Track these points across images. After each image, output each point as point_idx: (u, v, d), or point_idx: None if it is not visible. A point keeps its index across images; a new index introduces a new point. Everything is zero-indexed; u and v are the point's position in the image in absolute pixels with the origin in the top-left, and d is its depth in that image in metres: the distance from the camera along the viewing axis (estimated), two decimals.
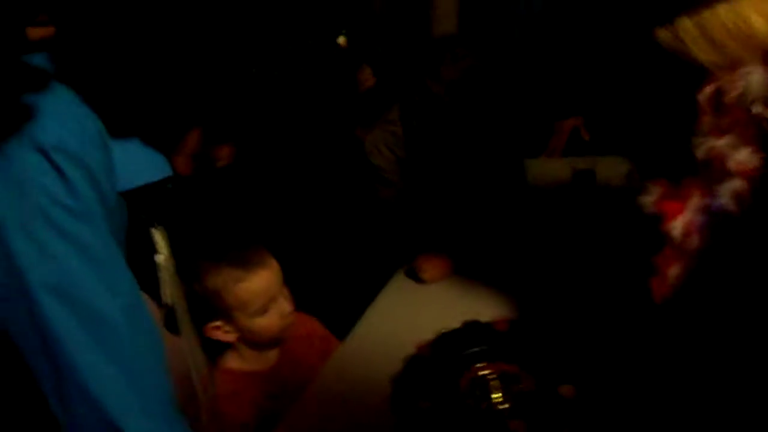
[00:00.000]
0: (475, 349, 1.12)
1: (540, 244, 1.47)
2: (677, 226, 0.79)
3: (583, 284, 1.25)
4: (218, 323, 1.16)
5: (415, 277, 1.43)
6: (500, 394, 1.03)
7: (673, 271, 0.81)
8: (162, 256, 0.85)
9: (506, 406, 1.01)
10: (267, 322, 1.18)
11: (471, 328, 1.18)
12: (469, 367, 1.09)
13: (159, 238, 0.85)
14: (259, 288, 1.15)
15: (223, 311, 1.16)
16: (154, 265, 0.87)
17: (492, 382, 1.05)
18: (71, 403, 0.68)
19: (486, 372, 1.08)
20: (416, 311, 1.32)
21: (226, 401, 1.16)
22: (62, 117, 0.66)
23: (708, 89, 0.74)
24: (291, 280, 1.23)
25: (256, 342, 1.21)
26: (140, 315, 0.73)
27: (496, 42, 1.80)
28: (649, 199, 0.83)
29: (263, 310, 1.17)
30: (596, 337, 1.09)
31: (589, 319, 1.14)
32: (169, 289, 0.86)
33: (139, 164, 0.75)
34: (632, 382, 0.92)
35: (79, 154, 0.65)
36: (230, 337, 1.19)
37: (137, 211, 0.82)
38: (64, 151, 0.64)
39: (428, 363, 1.11)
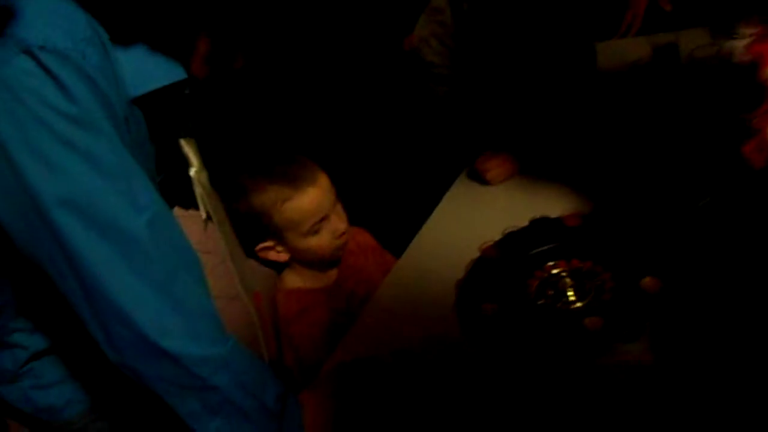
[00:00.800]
0: (545, 247, 1.03)
1: (614, 133, 1.32)
2: None
3: (666, 170, 1.11)
4: (269, 243, 1.12)
5: (479, 178, 1.33)
6: (573, 293, 0.94)
7: None
8: (194, 169, 0.80)
9: (581, 304, 0.93)
10: (319, 242, 1.12)
11: (539, 225, 1.09)
12: (540, 266, 1.01)
13: (188, 149, 0.80)
14: (309, 207, 1.09)
15: (273, 231, 1.10)
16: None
17: (564, 280, 0.97)
18: (108, 325, 0.65)
19: (557, 270, 0.99)
20: (481, 213, 1.23)
21: (294, 321, 1.14)
22: (48, 14, 0.60)
23: None
24: (345, 193, 1.17)
25: (310, 261, 1.17)
26: (169, 230, 0.68)
27: None
28: (741, 43, 0.69)
29: (314, 230, 1.10)
30: (681, 224, 0.97)
31: (673, 205, 1.02)
32: (206, 203, 0.81)
33: (148, 69, 0.69)
34: (721, 269, 0.81)
35: (71, 53, 0.60)
36: (283, 257, 1.14)
37: (161, 121, 0.77)
38: (53, 51, 0.59)
39: (494, 264, 1.04)
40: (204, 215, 0.83)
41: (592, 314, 0.89)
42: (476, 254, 1.07)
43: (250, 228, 1.08)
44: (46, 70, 0.58)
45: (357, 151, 1.31)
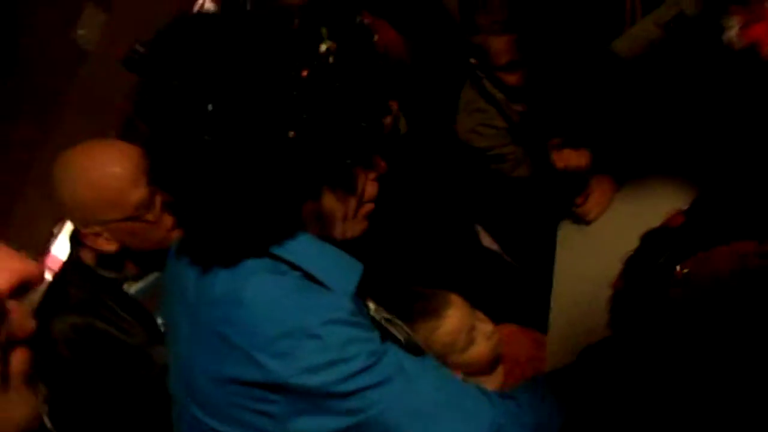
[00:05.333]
0: (665, 257, 1.09)
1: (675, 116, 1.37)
2: None
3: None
4: None
5: (581, 220, 1.40)
6: None
7: None
8: (371, 308, 0.94)
9: None
10: (479, 351, 1.24)
11: (650, 238, 1.15)
12: (671, 276, 1.07)
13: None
14: (455, 326, 1.22)
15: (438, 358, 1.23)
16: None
17: None
18: None
19: (688, 270, 1.05)
20: (596, 252, 1.31)
21: None
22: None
23: None
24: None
25: (481, 372, 1.28)
26: None
27: None
28: (733, 32, 0.78)
29: (470, 342, 1.23)
30: None
31: None
32: (392, 331, 0.93)
33: (345, 272, 0.85)
34: None
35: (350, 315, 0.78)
36: (458, 376, 1.26)
37: None
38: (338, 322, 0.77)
39: (627, 295, 1.11)
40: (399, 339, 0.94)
41: None
42: (608, 292, 1.14)
43: None
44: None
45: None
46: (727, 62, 0.84)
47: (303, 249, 0.82)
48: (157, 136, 0.78)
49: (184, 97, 0.74)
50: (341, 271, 0.84)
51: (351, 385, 0.75)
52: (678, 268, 1.06)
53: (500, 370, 1.30)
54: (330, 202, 0.83)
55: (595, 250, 1.32)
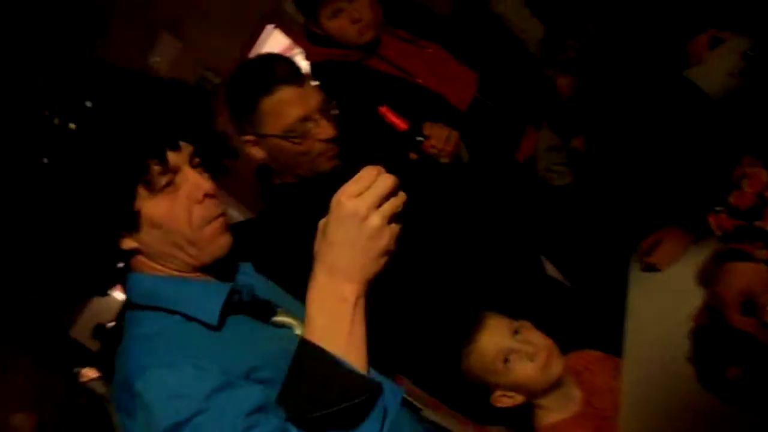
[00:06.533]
0: None
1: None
2: None
3: None
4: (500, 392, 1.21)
5: (653, 268, 1.32)
6: None
7: None
8: (298, 330, 0.93)
9: None
10: (523, 373, 1.17)
11: None
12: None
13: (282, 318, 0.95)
14: (487, 350, 1.19)
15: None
16: None
17: None
18: None
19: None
20: (671, 293, 1.24)
21: None
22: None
23: None
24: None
25: (534, 394, 1.21)
26: None
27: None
28: None
29: (508, 365, 1.18)
30: None
31: None
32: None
33: (209, 299, 0.86)
34: None
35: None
36: (519, 399, 1.20)
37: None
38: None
39: (712, 327, 1.07)
40: None
41: None
42: (691, 325, 1.10)
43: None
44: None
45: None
46: None
47: (155, 289, 0.85)
48: None
49: None
50: (200, 299, 0.85)
51: None
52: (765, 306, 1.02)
53: (577, 398, 1.23)
54: (144, 238, 0.84)
55: (671, 282, 1.27)
